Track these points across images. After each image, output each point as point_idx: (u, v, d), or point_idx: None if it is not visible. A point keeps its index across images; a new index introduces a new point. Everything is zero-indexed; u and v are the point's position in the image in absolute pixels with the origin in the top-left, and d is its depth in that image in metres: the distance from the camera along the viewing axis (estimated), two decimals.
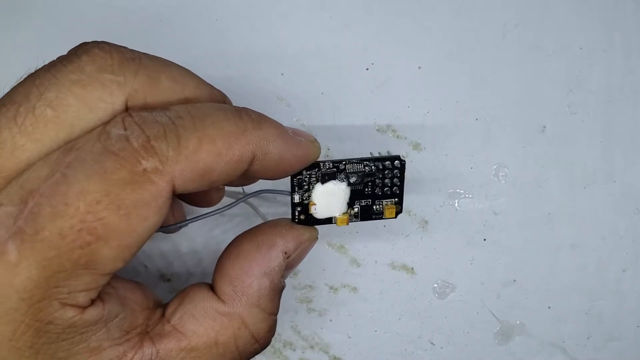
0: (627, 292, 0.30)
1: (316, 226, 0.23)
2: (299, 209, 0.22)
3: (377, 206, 0.23)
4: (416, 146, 0.29)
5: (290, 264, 0.22)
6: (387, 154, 0.23)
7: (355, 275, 0.30)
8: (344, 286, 0.30)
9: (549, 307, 0.30)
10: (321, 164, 0.22)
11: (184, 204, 0.26)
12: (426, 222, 0.29)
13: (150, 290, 0.21)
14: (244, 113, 0.19)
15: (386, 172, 0.23)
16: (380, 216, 0.23)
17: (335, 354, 0.30)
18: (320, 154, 0.21)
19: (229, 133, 0.18)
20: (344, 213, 0.23)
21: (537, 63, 0.29)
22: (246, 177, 0.21)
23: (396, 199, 0.23)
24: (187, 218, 0.25)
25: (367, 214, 0.23)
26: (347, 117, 0.28)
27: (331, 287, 0.30)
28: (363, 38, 0.28)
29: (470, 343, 0.30)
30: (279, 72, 0.28)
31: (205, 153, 0.17)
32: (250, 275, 0.20)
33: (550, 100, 0.29)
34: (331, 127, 0.28)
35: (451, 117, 0.28)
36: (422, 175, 0.29)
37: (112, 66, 0.17)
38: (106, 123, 0.17)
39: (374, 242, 0.29)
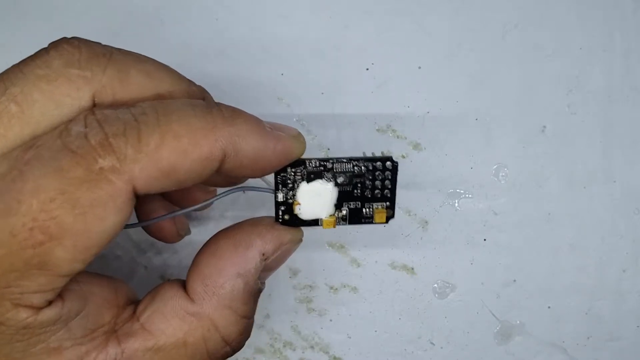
0: (627, 292, 0.30)
1: (302, 228, 0.22)
2: (282, 208, 0.21)
3: (367, 209, 0.22)
4: (416, 146, 0.29)
5: (269, 266, 0.20)
6: (382, 155, 0.22)
7: (355, 275, 0.30)
8: (344, 286, 0.30)
9: (549, 307, 0.30)
10: (307, 162, 0.21)
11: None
12: (426, 222, 0.29)
13: (126, 285, 0.20)
14: (215, 108, 0.18)
15: (377, 173, 0.21)
16: (370, 220, 0.22)
17: (335, 354, 0.30)
18: (304, 149, 0.20)
19: (196, 129, 0.17)
20: (330, 215, 0.21)
21: (537, 63, 0.29)
22: (226, 176, 0.20)
23: (387, 203, 0.22)
24: (161, 214, 0.24)
25: (356, 218, 0.22)
26: (347, 117, 0.28)
27: (331, 287, 0.30)
28: (363, 38, 0.28)
29: (470, 343, 0.30)
30: (279, 72, 0.28)
31: (168, 150, 0.16)
32: (224, 275, 0.19)
33: (550, 100, 0.29)
34: (331, 127, 0.28)
35: (451, 117, 0.28)
36: (422, 175, 0.29)
37: (79, 61, 0.17)
38: (70, 120, 0.16)
39: (374, 242, 0.29)
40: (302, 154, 0.20)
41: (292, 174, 0.21)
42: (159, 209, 0.24)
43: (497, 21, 0.28)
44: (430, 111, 0.28)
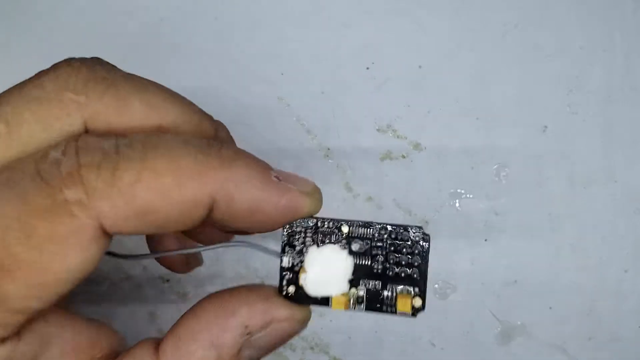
0: (628, 293, 0.30)
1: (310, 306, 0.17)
2: (288, 276, 0.17)
3: (388, 292, 0.17)
4: (416, 146, 0.29)
5: (257, 344, 0.17)
6: (412, 225, 0.18)
7: None
8: None
9: (550, 308, 0.30)
10: (319, 221, 0.17)
11: None
12: (427, 222, 0.29)
13: (114, 334, 0.18)
14: (215, 148, 0.15)
15: (401, 244, 0.17)
16: (391, 309, 0.17)
17: (335, 355, 0.30)
18: (318, 208, 0.17)
19: (183, 168, 0.15)
20: (343, 293, 0.17)
21: (537, 63, 0.29)
22: (221, 227, 0.17)
23: (416, 289, 0.17)
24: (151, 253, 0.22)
25: (373, 302, 0.17)
26: (347, 117, 0.28)
27: None
28: (363, 38, 0.28)
29: (470, 344, 0.30)
30: (279, 72, 0.28)
31: (144, 189, 0.14)
32: (197, 341, 0.16)
33: (550, 100, 0.29)
34: (331, 127, 0.28)
35: (451, 117, 0.28)
36: (422, 175, 0.29)
37: (75, 84, 0.16)
38: (52, 145, 0.15)
39: None
40: (315, 213, 0.17)
41: (303, 232, 0.17)
42: (169, 239, 0.22)
43: (497, 21, 0.28)
44: (430, 111, 0.28)
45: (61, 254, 0.14)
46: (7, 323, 0.14)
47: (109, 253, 0.18)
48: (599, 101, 0.29)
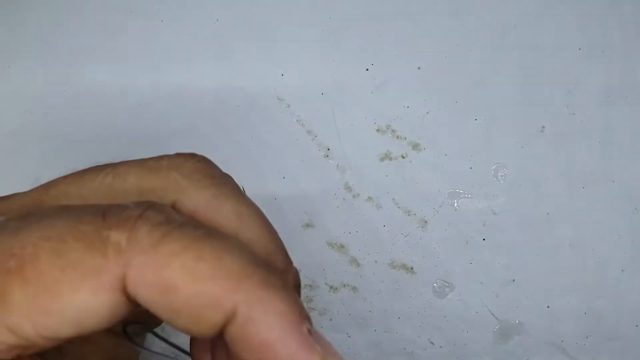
0: (626, 292, 0.30)
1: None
2: None
3: None
4: (416, 146, 0.29)
5: None
6: None
7: (355, 275, 0.30)
8: (344, 286, 0.30)
9: (548, 307, 0.30)
10: None
11: None
12: (426, 222, 0.29)
13: None
14: (266, 269, 0.15)
15: None
16: None
17: None
18: None
19: (224, 266, 0.14)
20: None
21: (536, 63, 0.29)
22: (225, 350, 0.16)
23: None
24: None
25: None
26: (347, 117, 0.28)
27: (331, 287, 0.30)
28: (363, 38, 0.28)
29: (469, 342, 0.30)
30: (279, 72, 0.28)
31: (178, 264, 0.14)
32: None
33: (549, 101, 0.29)
34: (331, 127, 0.28)
35: (451, 117, 0.29)
36: (422, 175, 0.29)
37: (185, 169, 0.17)
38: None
39: (374, 241, 0.29)
40: None
41: None
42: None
43: (497, 21, 0.28)
44: (430, 111, 0.29)
45: (75, 288, 0.13)
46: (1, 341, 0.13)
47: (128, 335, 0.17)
48: (597, 102, 0.29)
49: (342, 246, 0.29)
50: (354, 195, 0.29)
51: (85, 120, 0.30)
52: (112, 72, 0.29)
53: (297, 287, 0.18)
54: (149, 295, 0.14)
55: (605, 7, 0.29)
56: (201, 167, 0.17)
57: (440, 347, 0.31)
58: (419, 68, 0.28)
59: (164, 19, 0.28)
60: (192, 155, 0.17)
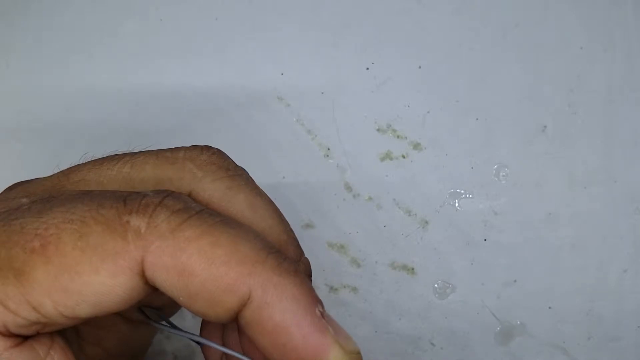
0: (627, 293, 0.30)
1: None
2: None
3: None
4: (416, 146, 0.29)
5: None
6: None
7: (355, 275, 0.29)
8: (344, 286, 0.30)
9: (550, 308, 0.30)
10: None
11: None
12: (426, 222, 0.29)
13: None
14: (278, 255, 0.15)
15: None
16: None
17: None
18: None
19: (240, 251, 0.14)
20: None
21: (537, 62, 0.29)
22: (244, 331, 0.16)
23: None
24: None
25: None
26: (347, 117, 0.28)
27: (331, 287, 0.30)
28: (363, 37, 0.28)
29: (470, 343, 0.30)
30: (279, 72, 0.28)
31: (195, 249, 0.14)
32: None
33: (550, 100, 0.29)
34: (331, 127, 0.28)
35: (451, 117, 0.28)
36: (422, 175, 0.29)
37: (200, 161, 0.17)
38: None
39: (374, 242, 0.29)
40: None
41: None
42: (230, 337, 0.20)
43: (498, 21, 0.28)
44: (430, 111, 0.28)
45: (94, 267, 0.14)
46: (18, 311, 0.14)
47: (146, 313, 0.18)
48: (599, 101, 0.29)
49: (342, 246, 0.29)
50: (354, 195, 0.29)
51: (84, 119, 0.30)
52: (110, 70, 0.29)
53: (308, 277, 0.19)
54: (166, 279, 0.14)
55: (607, 5, 0.28)
56: (216, 159, 0.18)
57: (442, 348, 0.30)
58: (419, 67, 0.28)
59: (163, 18, 0.28)
60: (208, 148, 0.18)
